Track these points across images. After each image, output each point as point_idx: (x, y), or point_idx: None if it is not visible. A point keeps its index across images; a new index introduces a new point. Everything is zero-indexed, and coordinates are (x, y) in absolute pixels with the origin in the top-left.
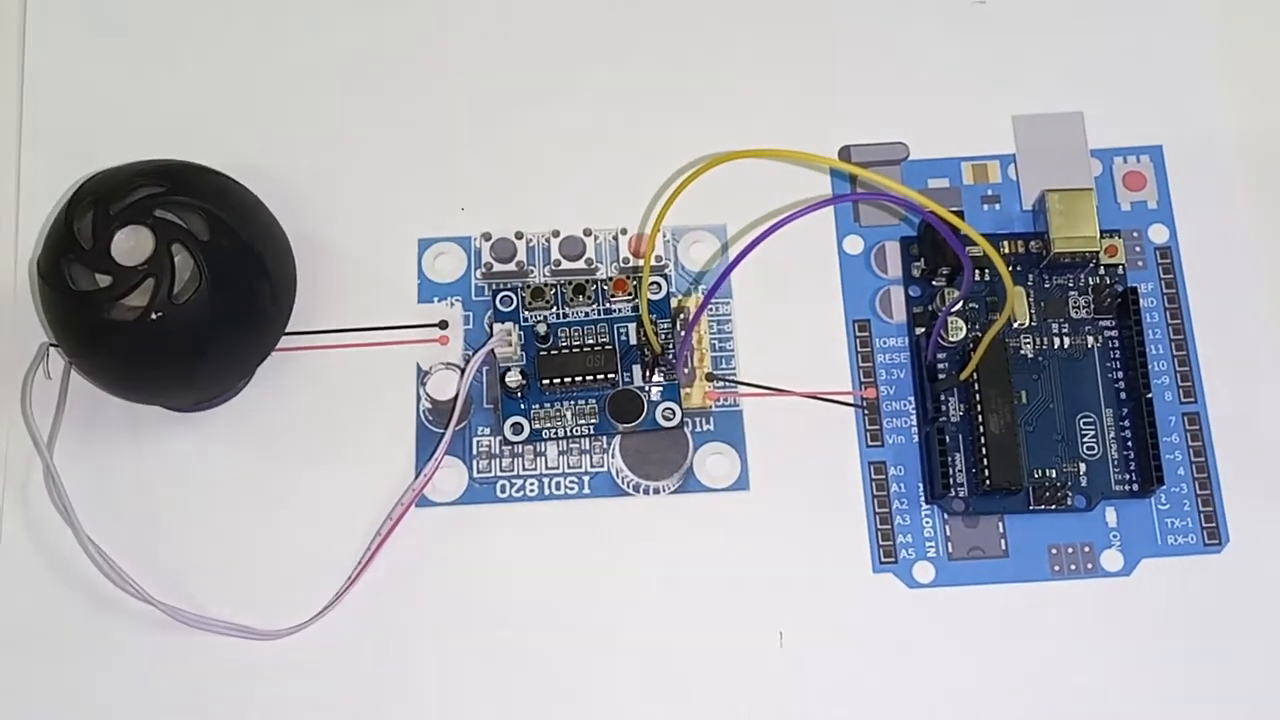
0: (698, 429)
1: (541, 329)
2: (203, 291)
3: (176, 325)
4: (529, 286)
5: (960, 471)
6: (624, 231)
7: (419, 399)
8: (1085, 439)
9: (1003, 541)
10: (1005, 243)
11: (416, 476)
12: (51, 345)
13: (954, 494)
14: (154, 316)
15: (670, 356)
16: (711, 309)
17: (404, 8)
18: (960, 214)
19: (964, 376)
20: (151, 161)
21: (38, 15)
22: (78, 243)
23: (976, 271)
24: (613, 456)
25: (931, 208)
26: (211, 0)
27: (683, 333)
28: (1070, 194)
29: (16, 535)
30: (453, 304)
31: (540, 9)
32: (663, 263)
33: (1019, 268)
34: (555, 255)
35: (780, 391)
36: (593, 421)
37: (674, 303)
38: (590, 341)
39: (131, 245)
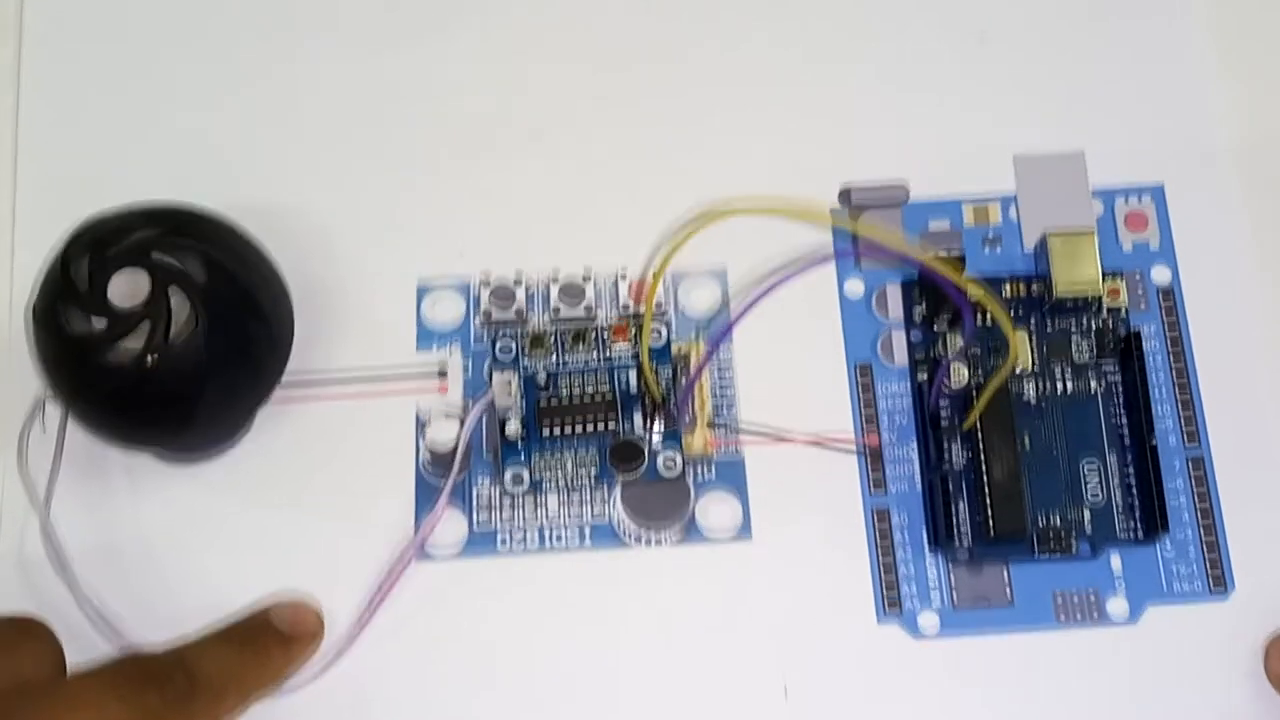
0: (699, 477)
1: (541, 377)
2: (199, 334)
3: (172, 368)
4: (528, 334)
5: (964, 519)
6: (624, 275)
7: (418, 448)
8: (1089, 484)
9: (1007, 589)
10: (1007, 285)
11: (416, 526)
12: (47, 397)
13: (958, 542)
14: (150, 359)
15: (672, 407)
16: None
17: (403, 50)
18: (962, 258)
19: (967, 426)
20: (149, 204)
21: (33, 56)
22: (73, 286)
23: (979, 314)
24: (614, 506)
25: (931, 263)
26: (209, 43)
27: (684, 385)
28: (1072, 237)
29: (12, 592)
30: (451, 350)
31: (539, 51)
32: (663, 308)
33: (1021, 310)
34: (555, 301)
35: (782, 438)
36: (593, 470)
37: (674, 349)
38: (590, 389)
39: (128, 288)
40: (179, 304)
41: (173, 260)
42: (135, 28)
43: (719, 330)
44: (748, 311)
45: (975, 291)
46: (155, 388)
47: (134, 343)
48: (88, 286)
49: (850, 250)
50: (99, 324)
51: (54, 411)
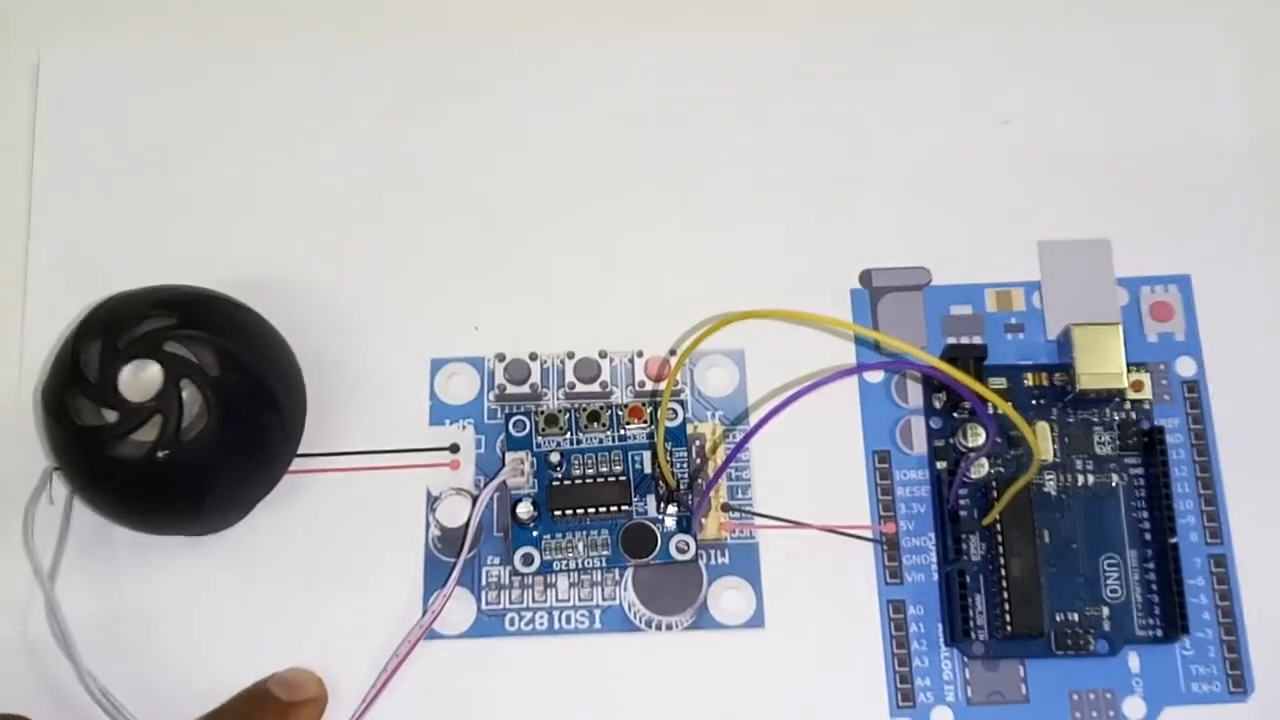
0: (712, 562)
1: (555, 457)
2: (211, 428)
3: (183, 462)
4: (543, 413)
5: (980, 614)
6: (640, 354)
7: (428, 526)
8: (1109, 581)
9: (1023, 686)
10: (1029, 375)
11: (424, 605)
12: (55, 469)
13: (974, 637)
14: (160, 455)
15: (687, 496)
16: (729, 438)
17: (420, 128)
18: (983, 348)
19: (987, 522)
20: (162, 289)
21: (46, 134)
22: (84, 376)
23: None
24: (625, 589)
25: (955, 375)
26: (223, 120)
27: (702, 487)
28: (1096, 329)
29: (15, 668)
30: (464, 427)
31: (557, 128)
32: (679, 387)
33: (1043, 401)
34: (570, 377)
35: (797, 524)
36: (605, 554)
37: (690, 429)
38: (604, 470)
39: (139, 380)
40: (190, 397)
41: (185, 352)
42: (148, 107)
43: (736, 438)
44: (768, 422)
45: (994, 400)
46: (165, 481)
47: (145, 436)
48: (98, 377)
49: (872, 363)
50: (109, 416)
51: (61, 485)
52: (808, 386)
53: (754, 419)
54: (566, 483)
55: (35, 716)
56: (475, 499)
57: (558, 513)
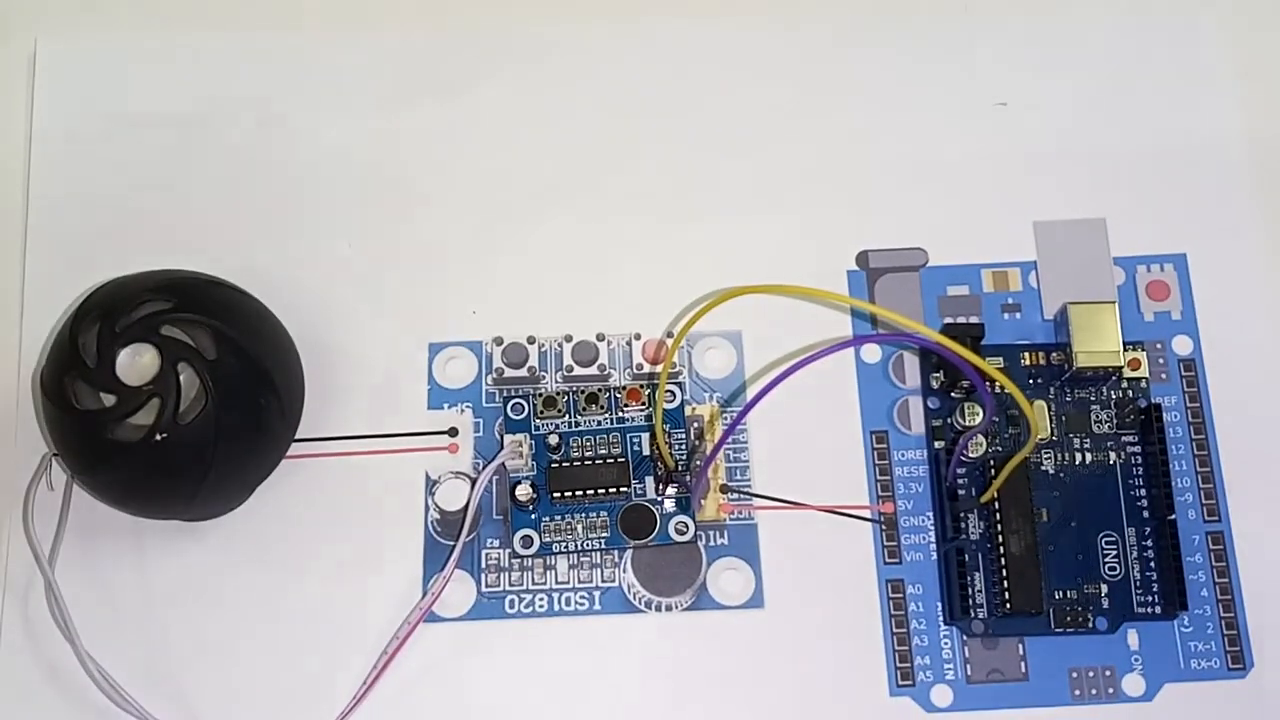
0: (711, 543)
1: (553, 439)
2: (209, 411)
3: (181, 445)
4: (541, 395)
5: (980, 592)
6: (638, 336)
7: (427, 509)
8: (1107, 559)
9: (1023, 664)
10: (1026, 355)
11: (424, 588)
12: (54, 455)
13: (973, 615)
14: (158, 437)
15: (686, 477)
16: (726, 418)
17: (417, 112)
18: (981, 327)
19: (984, 500)
20: (159, 274)
21: (43, 120)
22: (82, 360)
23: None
24: (624, 571)
25: (953, 348)
26: (218, 105)
27: (699, 466)
28: (1092, 307)
29: (15, 651)
30: (463, 410)
31: (554, 112)
32: (677, 369)
33: (1040, 380)
34: (568, 360)
35: (796, 505)
36: (604, 535)
37: (688, 411)
38: (603, 452)
39: (137, 363)
40: (188, 380)
41: (182, 336)
42: (144, 91)
43: (734, 416)
44: (765, 396)
45: (994, 374)
46: (163, 464)
47: (143, 419)
48: (96, 361)
49: (871, 335)
50: (107, 400)
51: (60, 471)
52: (807, 358)
53: (751, 397)
54: (565, 465)
55: (36, 699)
56: (474, 482)
57: (557, 495)
